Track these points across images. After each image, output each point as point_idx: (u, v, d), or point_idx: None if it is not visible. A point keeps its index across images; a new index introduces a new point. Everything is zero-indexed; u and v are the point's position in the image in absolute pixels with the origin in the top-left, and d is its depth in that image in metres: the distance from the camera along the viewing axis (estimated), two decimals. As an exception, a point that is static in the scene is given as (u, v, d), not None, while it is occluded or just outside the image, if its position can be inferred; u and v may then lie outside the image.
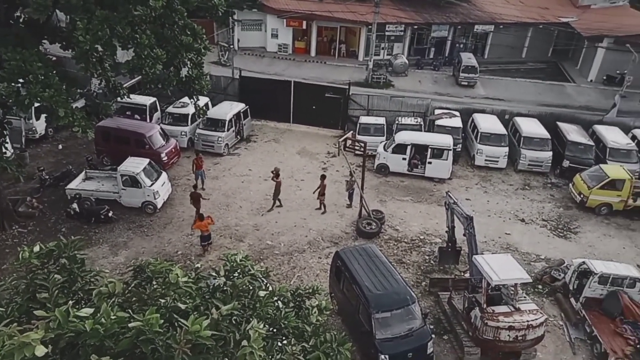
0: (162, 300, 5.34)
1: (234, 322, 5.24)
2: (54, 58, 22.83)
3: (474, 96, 32.58)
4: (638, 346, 13.73)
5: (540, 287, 16.88)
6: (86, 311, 4.43)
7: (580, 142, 23.98)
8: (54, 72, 14.23)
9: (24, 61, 13.26)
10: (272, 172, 20.69)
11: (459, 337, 14.16)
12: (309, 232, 19.07)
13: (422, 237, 19.10)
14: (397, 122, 25.41)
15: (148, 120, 24.67)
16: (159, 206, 19.57)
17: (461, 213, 15.39)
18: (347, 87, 27.37)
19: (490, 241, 19.05)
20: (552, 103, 31.40)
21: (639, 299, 15.04)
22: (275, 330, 5.91)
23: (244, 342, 4.72)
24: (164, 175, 20.30)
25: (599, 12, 39.56)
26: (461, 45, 39.45)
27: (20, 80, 13.99)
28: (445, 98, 31.16)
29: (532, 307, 13.67)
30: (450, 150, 22.64)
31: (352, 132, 24.55)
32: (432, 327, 14.23)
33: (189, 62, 17.10)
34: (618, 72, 33.92)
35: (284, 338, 5.90)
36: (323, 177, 20.24)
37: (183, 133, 24.46)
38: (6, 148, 17.11)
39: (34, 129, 23.62)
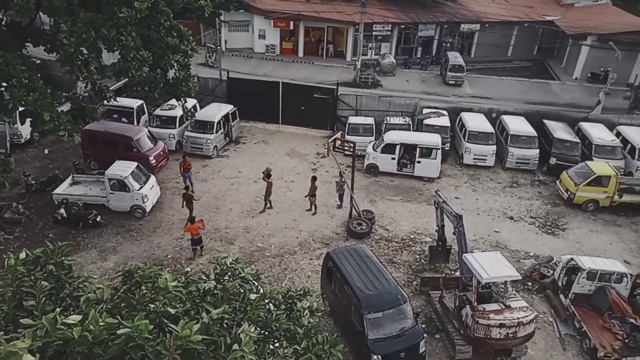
0: (152, 305, 5.27)
1: (224, 325, 5.19)
2: (38, 61, 22.52)
3: (461, 95, 32.81)
4: (626, 341, 13.91)
5: (529, 284, 17.01)
6: (74, 318, 4.35)
7: (566, 139, 24.25)
8: (38, 75, 14.08)
9: (7, 64, 13.08)
10: (263, 172, 20.62)
11: (450, 336, 14.22)
12: (299, 234, 19.04)
13: (412, 237, 19.16)
14: (385, 121, 25.47)
15: (135, 123, 24.46)
16: (148, 210, 19.40)
17: (450, 212, 15.49)
18: (335, 87, 27.36)
19: (479, 239, 19.17)
20: (538, 101, 31.71)
21: (627, 294, 15.24)
22: (266, 333, 5.87)
23: (235, 346, 4.68)
24: (152, 178, 20.10)
25: (582, 11, 40.16)
26: (448, 45, 39.67)
27: (4, 84, 13.79)
28: (433, 97, 31.37)
29: (522, 305, 13.76)
30: (439, 149, 22.75)
31: (341, 132, 24.59)
32: (423, 326, 14.26)
33: (175, 64, 17.01)
34: (602, 69, 34.45)
35: (275, 341, 5.87)
36: (314, 178, 20.21)
37: (171, 136, 24.28)
38: (-10, 153, 16.91)
39: (19, 133, 23.29)
